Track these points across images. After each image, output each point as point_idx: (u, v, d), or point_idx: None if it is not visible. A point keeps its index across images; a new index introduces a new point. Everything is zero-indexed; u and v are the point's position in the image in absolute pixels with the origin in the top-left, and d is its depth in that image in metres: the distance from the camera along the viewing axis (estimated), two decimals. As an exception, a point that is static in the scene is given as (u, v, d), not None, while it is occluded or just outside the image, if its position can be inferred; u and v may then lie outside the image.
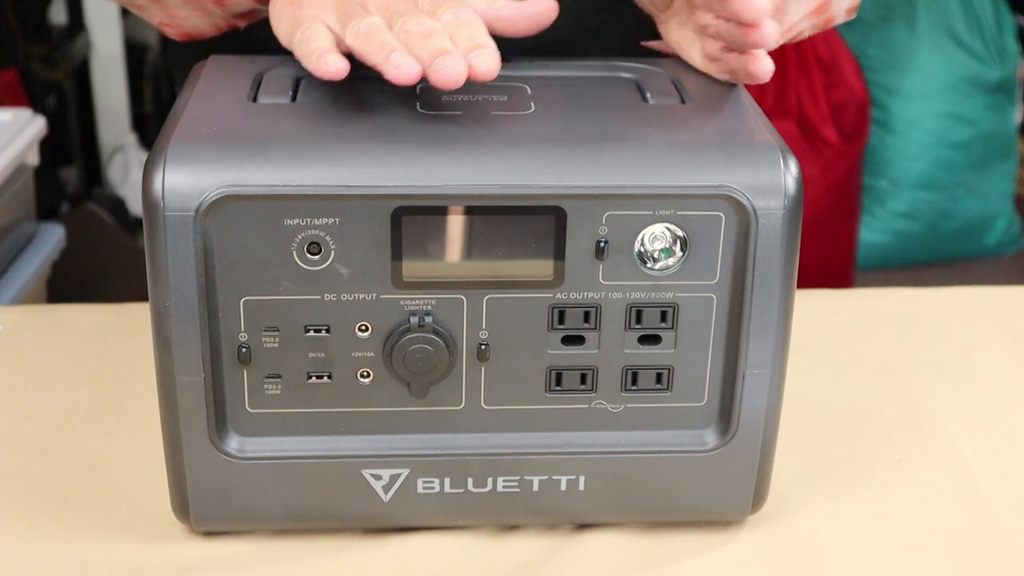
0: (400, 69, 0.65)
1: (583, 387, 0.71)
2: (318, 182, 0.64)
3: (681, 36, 0.79)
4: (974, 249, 2.72)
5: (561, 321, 0.69)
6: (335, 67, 0.66)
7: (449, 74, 0.64)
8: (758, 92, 2.36)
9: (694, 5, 0.75)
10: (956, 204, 2.64)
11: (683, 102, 0.73)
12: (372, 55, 0.67)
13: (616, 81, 0.76)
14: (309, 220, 0.65)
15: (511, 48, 0.89)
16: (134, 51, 2.74)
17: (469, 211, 0.65)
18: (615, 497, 0.73)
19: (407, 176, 0.65)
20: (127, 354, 0.92)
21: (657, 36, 0.83)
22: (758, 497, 0.74)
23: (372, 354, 0.69)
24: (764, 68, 0.72)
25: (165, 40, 1.01)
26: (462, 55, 0.65)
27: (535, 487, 0.73)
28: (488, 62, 0.66)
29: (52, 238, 1.67)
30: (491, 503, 0.73)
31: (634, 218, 0.66)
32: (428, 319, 0.68)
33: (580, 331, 0.69)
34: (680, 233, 0.67)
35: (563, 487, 0.73)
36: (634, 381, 0.71)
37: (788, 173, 0.66)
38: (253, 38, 0.91)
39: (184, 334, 0.66)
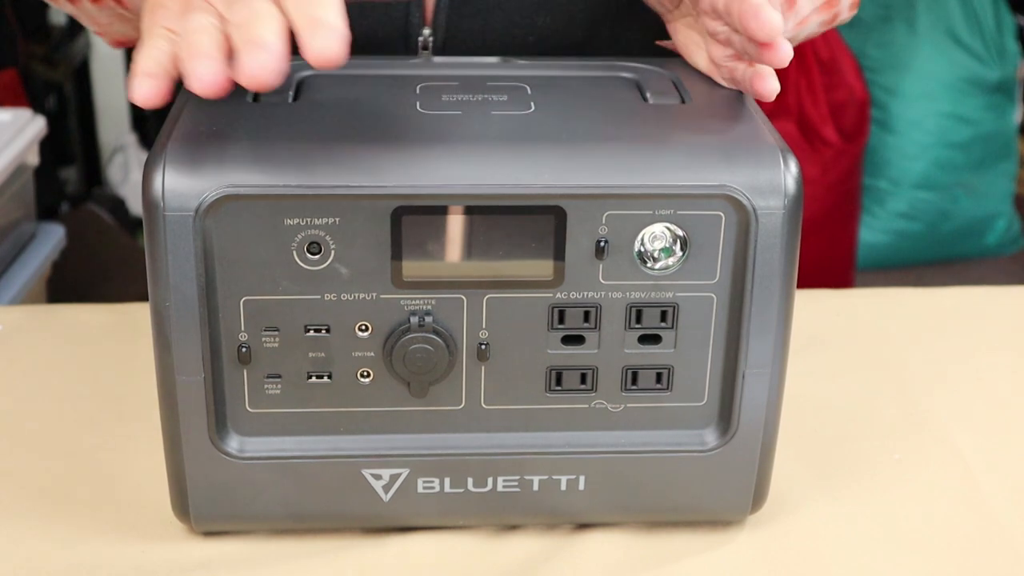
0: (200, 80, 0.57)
1: (583, 387, 0.71)
2: (318, 182, 0.64)
3: (687, 38, 0.79)
4: (974, 249, 2.72)
5: (561, 321, 0.69)
6: (139, 93, 0.60)
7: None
8: (758, 92, 2.36)
9: (702, 11, 0.74)
10: (956, 204, 2.64)
11: (683, 102, 0.73)
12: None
13: (616, 81, 0.76)
14: (309, 220, 0.65)
15: (518, 50, 0.89)
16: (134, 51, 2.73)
17: (469, 211, 0.65)
18: (615, 497, 0.73)
19: (407, 176, 0.65)
20: (127, 354, 0.92)
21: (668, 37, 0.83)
22: (758, 497, 0.74)
23: (372, 354, 0.69)
24: (770, 88, 0.71)
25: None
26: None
27: (535, 487, 0.73)
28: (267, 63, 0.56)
29: (52, 238, 1.67)
30: (491, 503, 0.73)
31: (634, 218, 0.66)
32: (428, 319, 0.68)
33: (580, 331, 0.69)
34: (680, 233, 0.67)
35: (563, 487, 0.73)
36: (634, 381, 0.71)
37: (788, 173, 0.66)
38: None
39: (184, 334, 0.66)
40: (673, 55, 0.82)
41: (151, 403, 0.70)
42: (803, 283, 0.75)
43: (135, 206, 2.54)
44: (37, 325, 0.98)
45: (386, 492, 0.72)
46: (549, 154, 0.66)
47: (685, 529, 0.76)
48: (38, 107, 2.43)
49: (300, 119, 0.69)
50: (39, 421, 0.85)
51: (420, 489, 0.72)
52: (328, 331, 0.68)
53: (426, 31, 0.88)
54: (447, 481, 0.72)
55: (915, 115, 2.57)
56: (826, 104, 2.40)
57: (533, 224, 0.66)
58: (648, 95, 0.74)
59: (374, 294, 0.67)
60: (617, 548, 0.74)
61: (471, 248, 0.67)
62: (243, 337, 0.68)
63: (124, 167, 2.67)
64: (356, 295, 0.67)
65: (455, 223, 0.66)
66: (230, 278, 0.66)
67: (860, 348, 0.97)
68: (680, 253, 0.67)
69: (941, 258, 2.70)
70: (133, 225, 2.45)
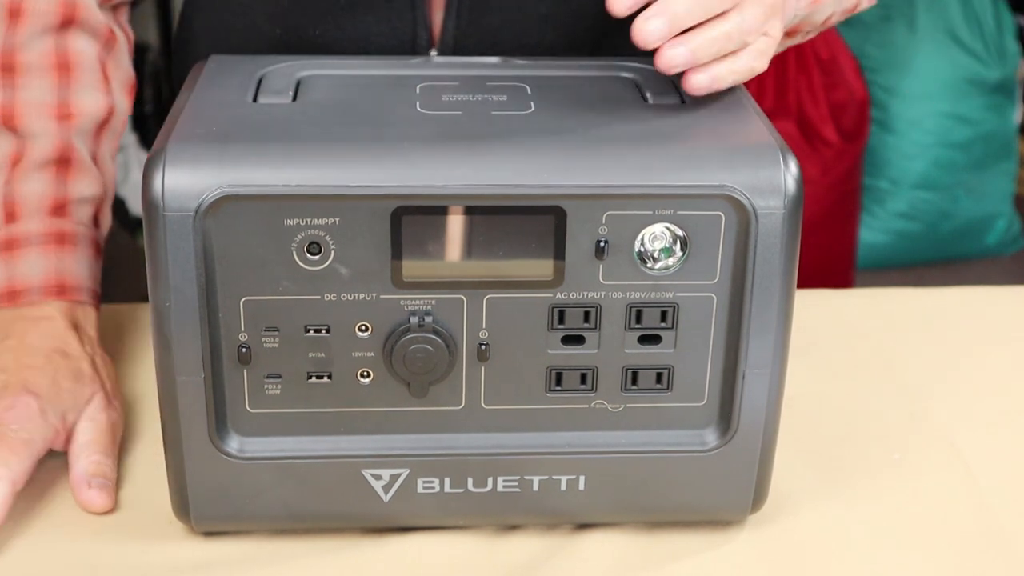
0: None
1: (583, 387, 0.71)
2: (318, 182, 0.64)
3: None
4: (974, 249, 2.72)
5: (561, 321, 0.69)
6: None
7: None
8: (758, 92, 2.36)
9: None
10: (956, 204, 2.64)
11: (683, 102, 0.73)
12: None
13: (616, 81, 0.76)
14: (309, 220, 0.65)
15: (520, 50, 0.89)
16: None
17: (469, 211, 0.65)
18: (615, 497, 0.73)
19: (407, 176, 0.65)
20: (127, 354, 0.92)
21: None
22: (758, 497, 0.74)
23: (372, 354, 0.69)
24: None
25: (167, 40, 1.00)
26: None
27: (535, 487, 0.73)
28: None
29: (52, 238, 1.67)
30: (491, 503, 0.73)
31: (634, 218, 0.66)
32: (428, 319, 0.68)
33: (580, 331, 0.69)
34: (680, 233, 0.67)
35: (563, 487, 0.73)
36: (634, 381, 0.71)
37: (788, 173, 0.66)
38: (252, 37, 0.90)
39: (184, 334, 0.66)
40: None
41: (151, 403, 0.70)
42: (803, 283, 0.75)
43: (135, 206, 2.54)
44: (37, 325, 0.98)
45: (386, 492, 0.72)
46: (549, 154, 0.66)
47: (685, 529, 0.76)
48: (38, 107, 2.42)
49: (300, 119, 0.69)
50: (39, 421, 0.85)
51: (420, 489, 0.72)
52: (328, 331, 0.68)
53: (433, 52, 0.88)
54: (447, 481, 0.72)
55: (915, 115, 2.57)
56: (826, 104, 2.40)
57: (533, 224, 0.66)
58: (648, 95, 0.74)
59: (374, 294, 0.67)
60: (617, 548, 0.74)
61: (471, 248, 0.66)
62: (243, 337, 0.68)
63: (124, 167, 2.67)
64: (356, 295, 0.67)
65: (455, 223, 0.66)
66: (230, 278, 0.66)
67: (860, 348, 0.96)
68: (680, 253, 0.67)
69: (941, 258, 2.70)
70: (133, 225, 2.45)
